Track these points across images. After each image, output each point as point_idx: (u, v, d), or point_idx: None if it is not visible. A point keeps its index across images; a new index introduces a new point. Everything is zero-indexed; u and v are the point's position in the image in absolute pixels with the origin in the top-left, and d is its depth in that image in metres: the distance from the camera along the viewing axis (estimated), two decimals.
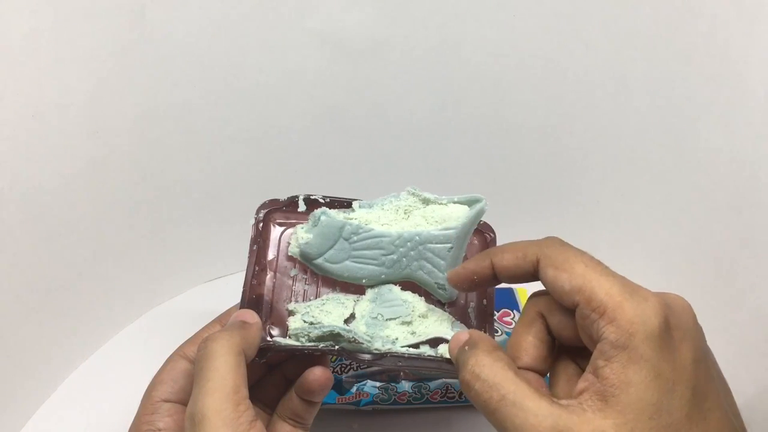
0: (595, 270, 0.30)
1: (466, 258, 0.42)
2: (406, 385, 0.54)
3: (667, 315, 0.29)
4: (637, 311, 0.28)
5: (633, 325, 0.28)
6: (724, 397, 0.30)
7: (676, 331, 0.29)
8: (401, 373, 0.54)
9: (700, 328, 0.31)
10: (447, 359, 0.36)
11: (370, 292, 0.42)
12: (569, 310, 0.31)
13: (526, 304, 0.35)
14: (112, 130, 0.54)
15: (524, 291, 0.62)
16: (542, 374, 0.33)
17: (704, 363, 0.29)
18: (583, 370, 0.32)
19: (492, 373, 0.29)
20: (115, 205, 0.57)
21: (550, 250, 0.32)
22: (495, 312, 0.42)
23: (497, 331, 0.40)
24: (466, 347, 0.32)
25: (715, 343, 0.53)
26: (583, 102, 0.60)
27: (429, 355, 0.38)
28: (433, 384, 0.54)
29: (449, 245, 0.40)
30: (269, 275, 0.42)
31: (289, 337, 0.39)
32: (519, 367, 0.33)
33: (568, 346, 0.33)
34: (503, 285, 0.46)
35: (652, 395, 0.27)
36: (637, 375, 0.27)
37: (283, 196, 0.43)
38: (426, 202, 0.42)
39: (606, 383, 0.28)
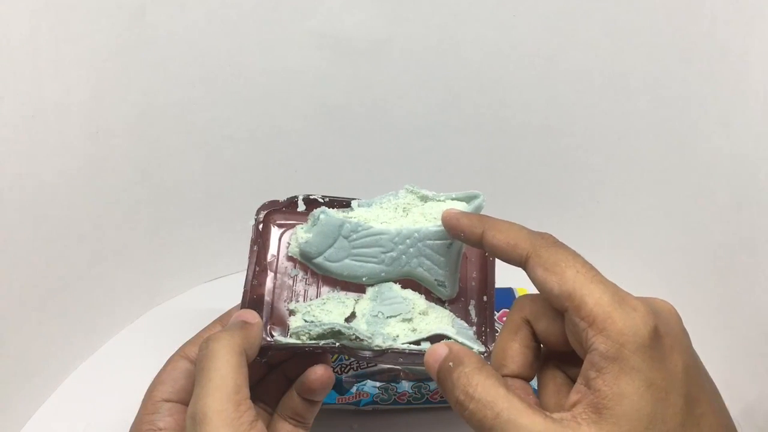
0: (586, 276, 0.30)
1: (465, 255, 0.42)
2: (406, 385, 0.54)
3: (657, 324, 0.28)
4: (626, 322, 0.28)
5: (623, 336, 0.28)
6: (714, 399, 0.30)
7: (666, 339, 0.29)
8: (401, 373, 0.54)
9: (687, 332, 0.31)
10: None
11: (370, 291, 0.42)
12: (555, 316, 0.31)
13: (510, 310, 0.34)
14: (112, 130, 0.54)
15: (525, 291, 0.62)
16: (528, 380, 0.33)
17: (694, 368, 0.29)
18: (570, 378, 0.32)
19: (485, 392, 0.29)
20: (115, 205, 0.57)
21: (543, 249, 0.31)
22: (495, 311, 0.42)
23: (497, 332, 0.40)
24: (450, 363, 0.31)
25: (715, 343, 0.54)
26: (583, 102, 0.60)
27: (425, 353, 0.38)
28: (433, 384, 0.54)
29: (448, 242, 0.40)
30: (270, 276, 0.42)
31: (290, 336, 0.39)
32: (505, 375, 0.33)
33: (554, 351, 0.33)
34: (503, 285, 0.46)
35: (645, 406, 0.27)
36: (630, 386, 0.27)
37: (283, 196, 0.43)
38: (424, 199, 0.42)
39: (599, 395, 0.28)
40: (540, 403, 0.32)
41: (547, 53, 0.58)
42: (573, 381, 0.30)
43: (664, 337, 0.29)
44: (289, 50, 0.57)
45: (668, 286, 0.59)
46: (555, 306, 0.31)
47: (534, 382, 0.34)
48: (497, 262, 0.39)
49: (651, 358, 0.28)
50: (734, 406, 0.51)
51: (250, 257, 0.41)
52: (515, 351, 0.33)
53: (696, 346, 0.31)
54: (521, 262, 0.32)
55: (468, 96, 0.61)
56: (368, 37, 0.58)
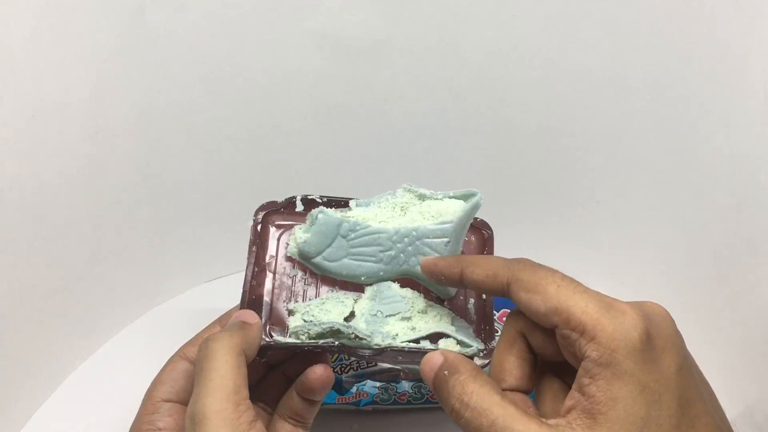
0: (567, 289, 0.30)
1: (463, 254, 0.42)
2: (406, 385, 0.54)
3: (647, 326, 0.28)
4: (616, 326, 0.28)
5: (614, 341, 0.28)
6: (709, 401, 0.30)
7: (658, 341, 0.29)
8: (401, 373, 0.54)
9: (680, 334, 0.31)
10: None
11: (369, 290, 0.42)
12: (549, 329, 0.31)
13: (505, 323, 0.34)
14: (112, 130, 0.54)
15: None
16: (527, 393, 0.33)
17: (687, 369, 0.29)
18: (567, 385, 0.32)
19: (480, 400, 0.29)
20: (115, 205, 0.57)
21: (521, 273, 0.31)
22: (495, 312, 0.42)
23: (497, 330, 0.40)
24: (446, 372, 0.31)
25: (715, 343, 0.54)
26: (583, 102, 0.60)
27: (429, 350, 0.38)
28: None
29: (446, 239, 0.40)
30: (269, 276, 0.42)
31: (290, 336, 0.39)
32: (505, 389, 0.33)
33: (551, 362, 0.33)
34: None
35: (639, 409, 0.27)
36: (623, 390, 0.27)
37: (282, 196, 0.43)
38: (422, 198, 0.42)
39: (593, 401, 0.28)
40: (537, 410, 0.32)
41: (547, 53, 0.58)
42: (569, 388, 0.30)
43: (655, 340, 0.29)
44: (289, 50, 0.57)
45: (668, 286, 0.59)
46: (544, 325, 0.31)
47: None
48: None
49: (643, 361, 0.28)
50: (734, 407, 0.51)
51: (248, 258, 0.41)
52: (512, 365, 0.33)
53: (696, 346, 0.31)
54: (504, 291, 0.32)
55: (468, 96, 0.61)
56: (368, 37, 0.58)
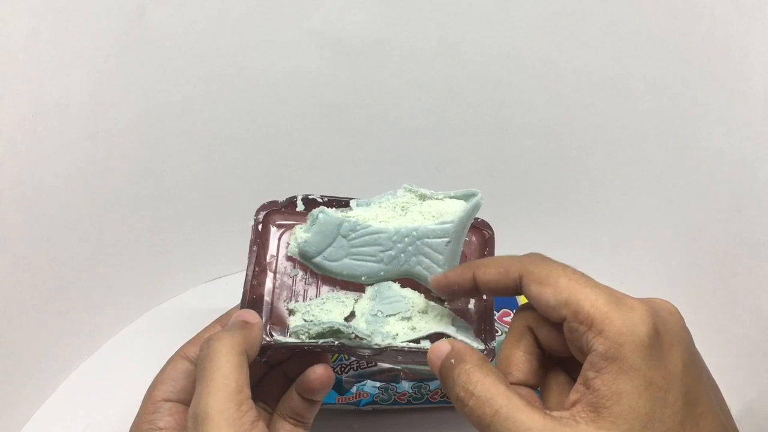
0: (578, 282, 0.30)
1: (463, 254, 0.42)
2: (406, 385, 0.54)
3: (655, 322, 0.28)
4: (624, 321, 0.28)
5: (621, 335, 0.28)
6: (714, 399, 0.30)
7: (665, 338, 0.29)
8: (401, 373, 0.54)
9: (688, 331, 0.31)
10: None
11: (369, 290, 0.42)
12: (557, 323, 0.32)
13: (513, 318, 0.34)
14: (112, 130, 0.54)
15: None
16: (534, 388, 0.33)
17: (694, 367, 0.29)
18: (574, 380, 0.32)
19: (484, 389, 0.29)
20: (115, 205, 0.57)
21: (533, 266, 0.32)
22: (495, 311, 0.42)
23: (497, 331, 0.40)
24: (452, 360, 0.31)
25: (715, 343, 0.54)
26: (583, 102, 0.60)
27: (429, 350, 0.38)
28: (433, 384, 0.54)
29: (447, 239, 0.40)
30: (269, 276, 0.42)
31: (290, 335, 0.39)
32: (512, 383, 0.33)
33: (558, 357, 0.33)
34: None
35: (644, 405, 0.27)
36: (629, 385, 0.27)
37: (282, 196, 0.43)
38: (422, 198, 0.42)
39: (598, 394, 0.28)
40: (543, 403, 0.33)
41: (547, 53, 0.58)
42: (575, 382, 0.30)
43: (663, 336, 0.29)
44: (289, 50, 0.57)
45: (668, 286, 0.59)
46: (553, 318, 0.31)
47: None
48: None
49: (650, 356, 0.28)
50: (735, 406, 0.51)
51: (249, 257, 0.41)
52: (519, 359, 0.33)
53: (696, 345, 0.31)
54: (516, 285, 0.32)
55: (468, 96, 0.61)
56: (368, 37, 0.58)
